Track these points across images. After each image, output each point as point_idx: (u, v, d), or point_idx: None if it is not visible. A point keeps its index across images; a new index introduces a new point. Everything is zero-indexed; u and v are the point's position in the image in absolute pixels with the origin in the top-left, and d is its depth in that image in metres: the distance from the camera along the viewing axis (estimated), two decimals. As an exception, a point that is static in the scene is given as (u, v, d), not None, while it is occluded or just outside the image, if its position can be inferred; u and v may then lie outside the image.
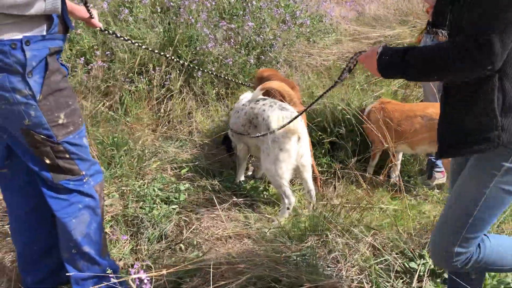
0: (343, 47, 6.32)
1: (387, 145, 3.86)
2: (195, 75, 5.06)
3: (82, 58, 4.99)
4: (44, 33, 1.89)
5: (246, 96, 3.62)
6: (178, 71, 5.03)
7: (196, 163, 3.75)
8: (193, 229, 2.92)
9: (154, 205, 3.08)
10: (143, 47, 3.10)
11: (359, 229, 2.56)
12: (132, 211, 2.99)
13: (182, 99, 4.90)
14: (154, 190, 3.17)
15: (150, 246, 2.77)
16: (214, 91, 5.15)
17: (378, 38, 6.06)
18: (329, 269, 2.31)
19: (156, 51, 3.37)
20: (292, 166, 3.15)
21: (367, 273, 2.30)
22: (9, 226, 2.47)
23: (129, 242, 2.80)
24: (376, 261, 2.35)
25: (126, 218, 3.00)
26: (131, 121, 4.59)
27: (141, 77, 4.90)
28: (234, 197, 3.34)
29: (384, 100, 3.91)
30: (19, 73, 1.83)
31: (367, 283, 2.25)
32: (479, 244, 1.77)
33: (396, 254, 2.43)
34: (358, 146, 4.07)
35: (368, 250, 2.42)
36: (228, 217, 3.17)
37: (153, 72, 4.93)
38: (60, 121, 1.98)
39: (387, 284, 2.29)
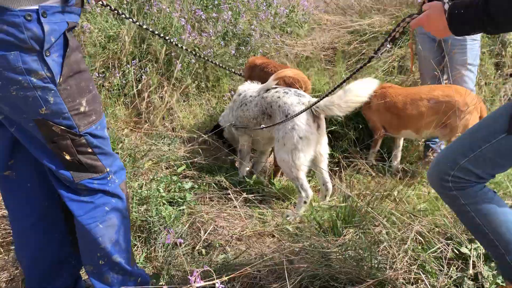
0: (318, 37, 6.19)
1: (389, 131, 3.75)
2: (173, 68, 4.75)
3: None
4: (61, 4, 1.57)
5: (247, 88, 3.36)
6: (154, 64, 4.70)
7: (196, 159, 3.45)
8: (210, 230, 2.63)
9: (161, 207, 2.76)
10: (144, 27, 2.78)
11: (398, 216, 2.39)
12: (138, 215, 2.66)
13: (163, 94, 4.57)
14: (158, 190, 2.85)
15: (167, 252, 2.45)
16: (194, 84, 4.85)
17: (355, 27, 5.96)
18: (380, 261, 2.10)
19: (161, 34, 3.02)
20: (310, 156, 2.95)
21: (419, 263, 2.13)
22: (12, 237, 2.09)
23: (142, 249, 2.48)
24: (430, 250, 2.18)
25: (131, 223, 2.66)
26: (109, 118, 4.21)
27: (115, 71, 4.52)
28: (244, 194, 3.08)
29: (385, 85, 3.78)
30: (34, 51, 1.50)
31: (423, 273, 2.08)
32: (484, 186, 1.70)
33: (444, 240, 2.27)
34: (360, 134, 3.94)
35: (416, 238, 2.25)
36: (240, 215, 2.92)
37: (128, 66, 4.57)
38: (82, 109, 1.65)
39: (441, 272, 2.13)
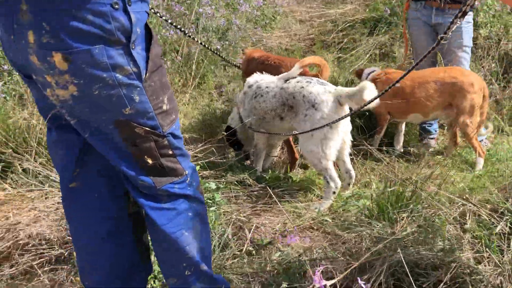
0: (292, 29, 6.18)
1: (396, 117, 3.79)
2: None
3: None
4: None
5: (258, 79, 3.24)
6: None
7: (212, 158, 3.31)
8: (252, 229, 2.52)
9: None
10: (172, 24, 2.61)
11: (448, 198, 2.40)
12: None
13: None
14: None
15: (216, 256, 2.32)
16: (180, 82, 4.68)
17: (331, 16, 6.00)
18: (453, 244, 2.09)
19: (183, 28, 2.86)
20: (339, 144, 2.90)
21: (483, 242, 2.14)
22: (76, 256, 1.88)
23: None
24: (490, 227, 2.19)
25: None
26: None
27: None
28: (271, 189, 2.98)
29: (388, 71, 3.80)
30: (120, 44, 1.34)
31: (491, 251, 2.08)
32: None
33: (498, 216, 2.30)
34: (365, 121, 3.94)
35: (472, 217, 2.26)
36: (269, 210, 2.83)
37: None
38: (164, 107, 1.51)
39: (503, 248, 2.15)
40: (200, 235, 1.65)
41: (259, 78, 3.26)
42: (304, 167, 3.70)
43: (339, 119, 2.66)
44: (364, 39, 5.47)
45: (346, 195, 3.04)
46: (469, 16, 3.83)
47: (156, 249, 1.65)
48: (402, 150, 3.97)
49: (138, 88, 1.40)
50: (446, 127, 4.48)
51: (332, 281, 1.36)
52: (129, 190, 1.58)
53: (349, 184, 3.13)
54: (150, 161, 1.51)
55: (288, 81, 3.02)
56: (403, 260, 1.88)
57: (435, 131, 4.21)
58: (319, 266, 2.12)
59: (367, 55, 5.11)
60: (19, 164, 2.81)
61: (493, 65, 4.99)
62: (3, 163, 2.86)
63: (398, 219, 2.36)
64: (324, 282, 1.38)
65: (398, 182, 2.47)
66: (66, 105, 1.40)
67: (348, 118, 2.99)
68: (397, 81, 2.17)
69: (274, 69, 3.46)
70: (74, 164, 1.57)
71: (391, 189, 2.42)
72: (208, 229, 1.72)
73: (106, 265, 1.68)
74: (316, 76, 3.21)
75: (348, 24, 5.79)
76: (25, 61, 1.36)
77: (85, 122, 1.45)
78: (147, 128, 1.46)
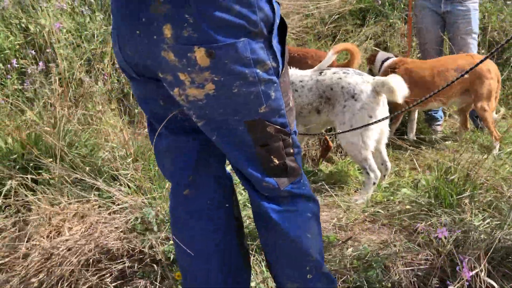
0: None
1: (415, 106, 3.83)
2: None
3: (14, 61, 3.94)
4: None
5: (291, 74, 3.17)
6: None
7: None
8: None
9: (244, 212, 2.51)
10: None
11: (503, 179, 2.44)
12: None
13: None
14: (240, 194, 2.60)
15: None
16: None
17: (319, 9, 5.98)
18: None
19: None
20: (378, 134, 2.89)
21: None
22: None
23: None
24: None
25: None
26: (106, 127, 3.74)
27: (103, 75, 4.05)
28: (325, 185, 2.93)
29: (405, 60, 3.82)
30: (261, 36, 1.25)
31: None
32: None
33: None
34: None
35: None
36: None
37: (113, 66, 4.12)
38: (291, 104, 1.43)
39: None
40: (318, 235, 1.57)
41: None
42: (328, 160, 3.67)
43: (387, 117, 2.61)
44: (356, 30, 5.50)
45: (383, 186, 3.05)
46: (476, 4, 3.93)
47: (276, 253, 1.55)
48: (415, 138, 4.03)
49: (275, 84, 1.31)
50: (448, 114, 4.61)
51: (477, 270, 1.33)
52: (250, 193, 1.48)
53: (384, 176, 3.12)
54: (276, 161, 1.41)
55: (323, 73, 2.97)
56: (496, 247, 1.89)
57: (441, 117, 4.31)
58: (401, 259, 2.12)
59: (364, 44, 5.14)
60: (50, 173, 2.61)
61: (482, 51, 5.15)
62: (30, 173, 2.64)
63: (462, 205, 2.37)
64: (470, 273, 1.35)
65: (454, 169, 2.48)
66: (196, 105, 1.28)
67: (387, 108, 2.97)
68: (477, 65, 2.09)
69: (298, 61, 3.40)
70: (193, 168, 1.45)
71: (453, 177, 2.42)
72: (321, 228, 1.64)
73: (217, 272, 1.57)
74: (345, 66, 3.18)
75: (337, 16, 5.80)
76: (152, 59, 1.24)
77: (215, 123, 1.33)
78: (277, 127, 1.36)
